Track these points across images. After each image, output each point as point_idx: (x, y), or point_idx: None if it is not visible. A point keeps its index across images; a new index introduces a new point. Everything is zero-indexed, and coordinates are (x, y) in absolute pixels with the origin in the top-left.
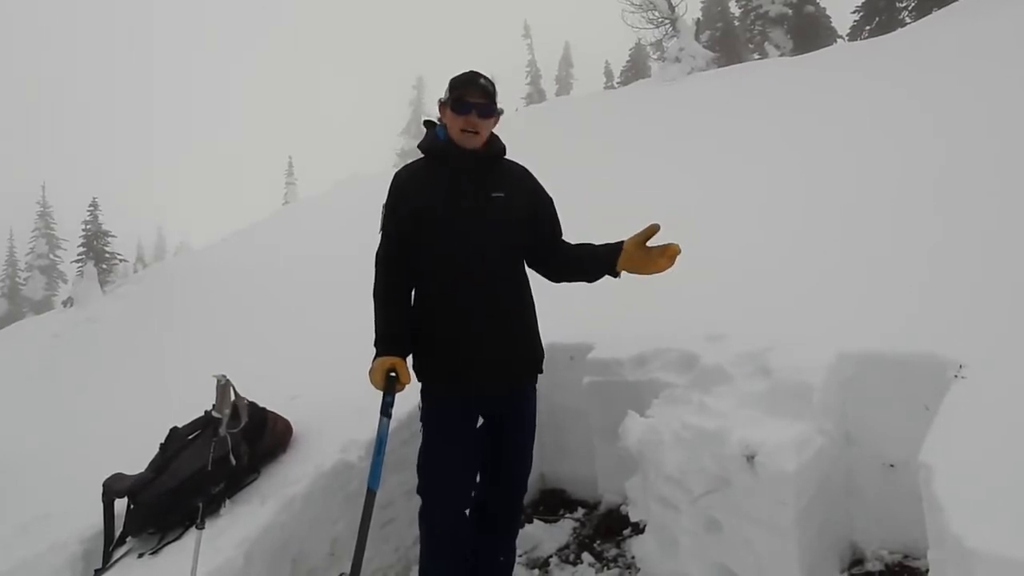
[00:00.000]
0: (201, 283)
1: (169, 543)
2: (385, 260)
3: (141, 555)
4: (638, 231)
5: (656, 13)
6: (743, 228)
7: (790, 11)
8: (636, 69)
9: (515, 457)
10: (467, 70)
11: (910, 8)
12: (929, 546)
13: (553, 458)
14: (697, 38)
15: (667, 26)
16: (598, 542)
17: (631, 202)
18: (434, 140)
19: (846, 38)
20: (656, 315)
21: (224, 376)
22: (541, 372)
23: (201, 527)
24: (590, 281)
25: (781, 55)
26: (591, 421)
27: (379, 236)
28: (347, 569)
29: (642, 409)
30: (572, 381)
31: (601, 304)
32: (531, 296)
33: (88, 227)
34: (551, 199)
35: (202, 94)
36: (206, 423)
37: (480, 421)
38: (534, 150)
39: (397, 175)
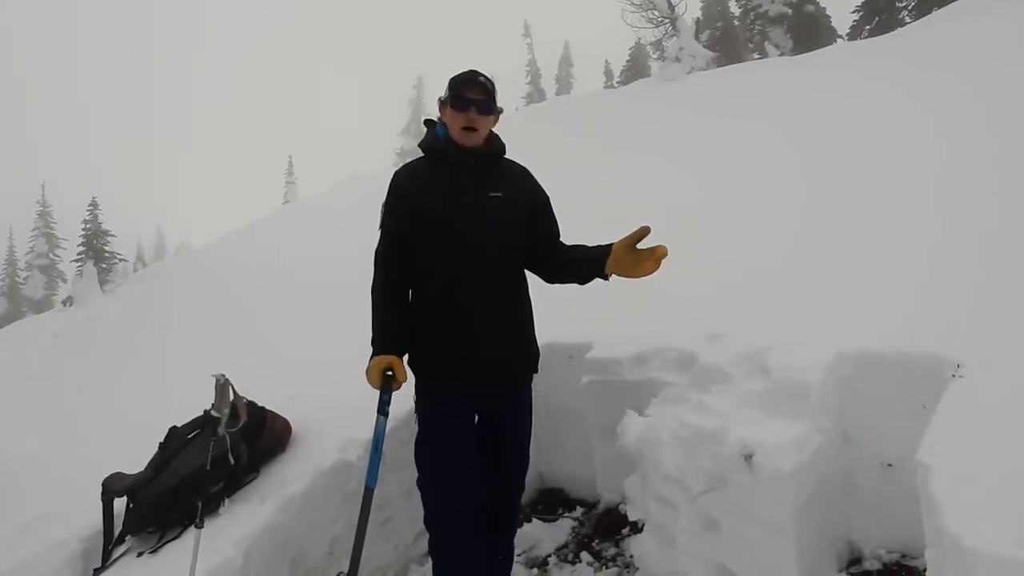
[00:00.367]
0: (201, 283)
1: (168, 542)
2: (384, 258)
3: (140, 554)
4: (627, 234)
5: (656, 12)
6: (743, 228)
7: (790, 11)
8: (636, 69)
9: (512, 456)
10: (466, 69)
11: (910, 8)
12: (927, 545)
13: (552, 457)
14: (697, 38)
15: (667, 25)
16: (597, 541)
17: (631, 202)
18: (434, 139)
19: (846, 38)
20: (655, 315)
21: (223, 375)
22: (536, 371)
23: (200, 526)
24: (582, 283)
25: (781, 55)
26: (590, 420)
27: (378, 234)
28: (346, 568)
29: (641, 408)
30: (571, 380)
31: (600, 303)
32: (529, 296)
33: (88, 226)
34: (549, 200)
35: (202, 94)
36: (205, 422)
37: (475, 420)
38: (534, 149)
39: (396, 173)
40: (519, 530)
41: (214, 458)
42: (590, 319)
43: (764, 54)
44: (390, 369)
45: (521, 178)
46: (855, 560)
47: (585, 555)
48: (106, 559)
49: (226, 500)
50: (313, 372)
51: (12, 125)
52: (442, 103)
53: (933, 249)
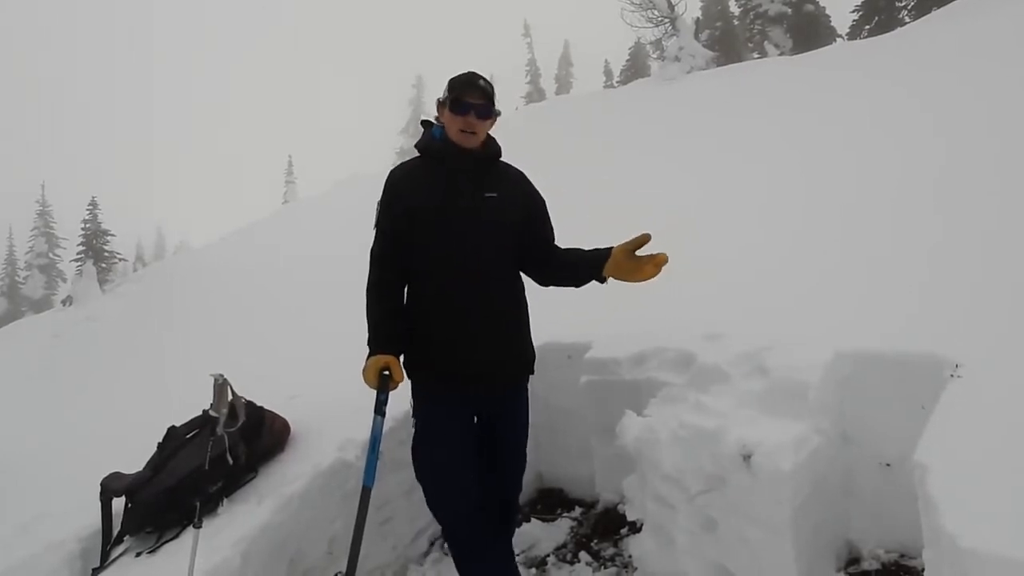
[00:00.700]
0: (201, 282)
1: (167, 542)
2: (379, 257)
3: (139, 554)
4: (628, 239)
5: (655, 12)
6: (743, 227)
7: (789, 10)
8: (636, 68)
9: (509, 457)
10: (466, 71)
11: (909, 8)
12: (924, 545)
13: (550, 457)
14: (697, 37)
15: (666, 25)
16: (595, 541)
17: (631, 202)
18: (431, 140)
19: (845, 37)
20: (654, 314)
21: (221, 375)
22: (533, 372)
23: (198, 526)
24: (577, 286)
25: (780, 54)
26: (588, 420)
27: (374, 233)
28: (344, 568)
29: (639, 408)
30: (569, 380)
31: (599, 303)
32: (525, 297)
33: (87, 226)
34: (545, 203)
35: (202, 94)
36: (204, 422)
37: (474, 421)
38: (534, 149)
39: (392, 173)
40: (517, 530)
41: (212, 458)
42: (589, 319)
43: (764, 53)
44: (387, 369)
45: (517, 181)
46: (853, 560)
47: (584, 555)
48: (104, 559)
49: (224, 500)
50: (313, 372)
51: (12, 125)
52: (440, 104)
53: (933, 249)
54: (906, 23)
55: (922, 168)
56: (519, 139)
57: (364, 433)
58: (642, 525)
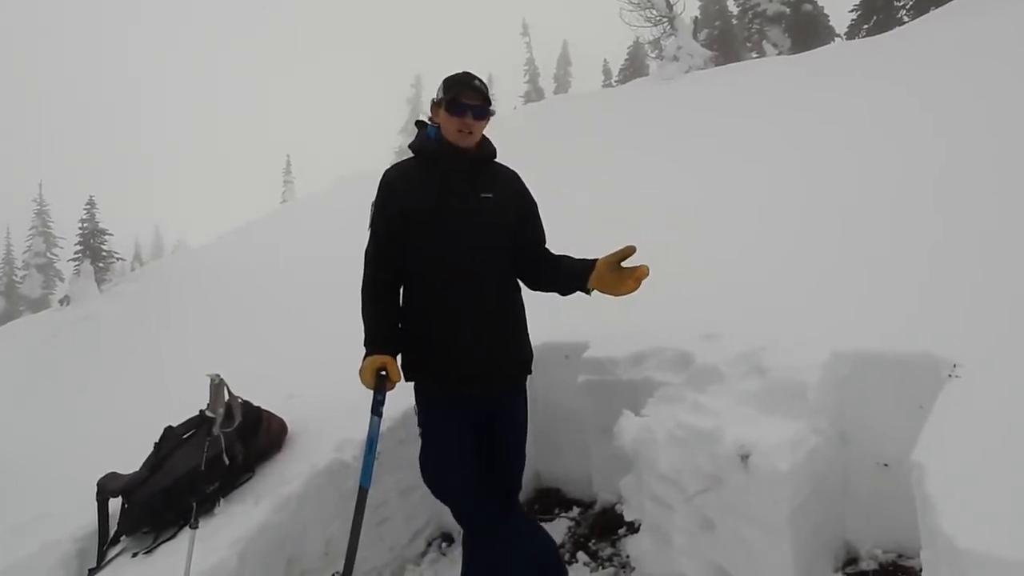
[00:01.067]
0: (199, 282)
1: (163, 542)
2: (374, 258)
3: (135, 554)
4: (613, 251)
5: (654, 11)
6: (742, 227)
7: (788, 10)
8: (634, 68)
9: (508, 456)
10: (461, 71)
11: (908, 7)
12: (922, 546)
13: (548, 457)
14: (695, 36)
15: (665, 24)
16: (593, 541)
17: (630, 202)
18: (425, 140)
19: (844, 37)
20: (652, 314)
21: (218, 375)
22: (530, 372)
23: (195, 526)
24: (563, 294)
25: (779, 54)
26: (586, 420)
27: (368, 234)
28: (341, 568)
29: (637, 408)
30: (567, 380)
31: (596, 303)
32: (521, 297)
33: (85, 225)
34: (536, 205)
35: (201, 93)
36: (200, 422)
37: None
38: (532, 149)
39: (387, 173)
40: None
41: (209, 458)
42: (586, 318)
43: (762, 53)
44: (384, 369)
45: (511, 181)
46: (851, 560)
47: (581, 555)
48: (101, 559)
49: (221, 500)
50: (311, 372)
51: (9, 124)
52: (435, 104)
53: (933, 249)
54: (904, 23)
55: (922, 168)
56: (517, 139)
57: (361, 433)
58: (640, 525)
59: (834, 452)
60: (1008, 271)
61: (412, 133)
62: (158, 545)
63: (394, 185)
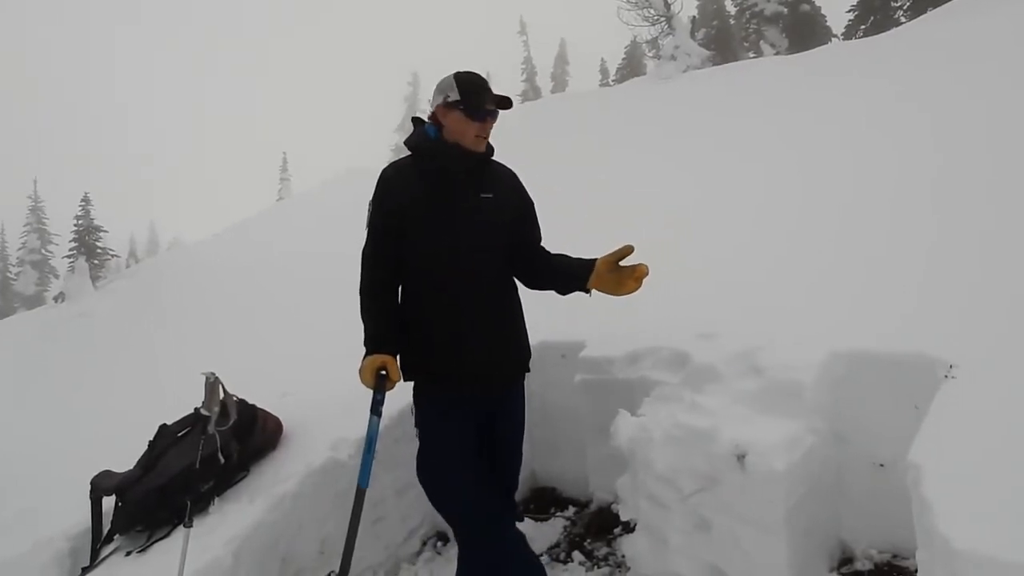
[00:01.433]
0: (195, 279)
1: (157, 541)
2: (372, 257)
3: (128, 553)
4: (611, 251)
5: (652, 10)
6: (739, 226)
7: (785, 10)
8: (632, 67)
9: (507, 455)
10: (472, 72)
11: (905, 8)
12: (917, 546)
13: (544, 456)
14: (693, 36)
15: (663, 24)
16: (588, 540)
17: (627, 201)
18: (423, 138)
19: (841, 37)
20: (649, 313)
21: (213, 374)
22: (529, 371)
23: (189, 525)
24: (561, 294)
25: (776, 53)
26: (582, 419)
27: (365, 233)
28: (337, 568)
29: (633, 407)
30: (563, 379)
31: (593, 302)
32: (518, 296)
33: (80, 222)
34: (533, 203)
35: (196, 90)
36: (195, 420)
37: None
38: (529, 148)
39: (384, 172)
40: None
41: (204, 457)
42: (583, 317)
43: (760, 53)
44: (384, 368)
45: (509, 181)
46: (846, 560)
47: (577, 554)
48: (94, 558)
49: (216, 499)
50: (307, 370)
51: (6, 121)
52: (446, 106)
53: (929, 249)
54: (901, 23)
55: (919, 168)
56: (514, 137)
57: (357, 432)
58: (635, 525)
59: (830, 452)
60: (1004, 272)
61: (408, 131)
62: (152, 544)
63: (392, 184)
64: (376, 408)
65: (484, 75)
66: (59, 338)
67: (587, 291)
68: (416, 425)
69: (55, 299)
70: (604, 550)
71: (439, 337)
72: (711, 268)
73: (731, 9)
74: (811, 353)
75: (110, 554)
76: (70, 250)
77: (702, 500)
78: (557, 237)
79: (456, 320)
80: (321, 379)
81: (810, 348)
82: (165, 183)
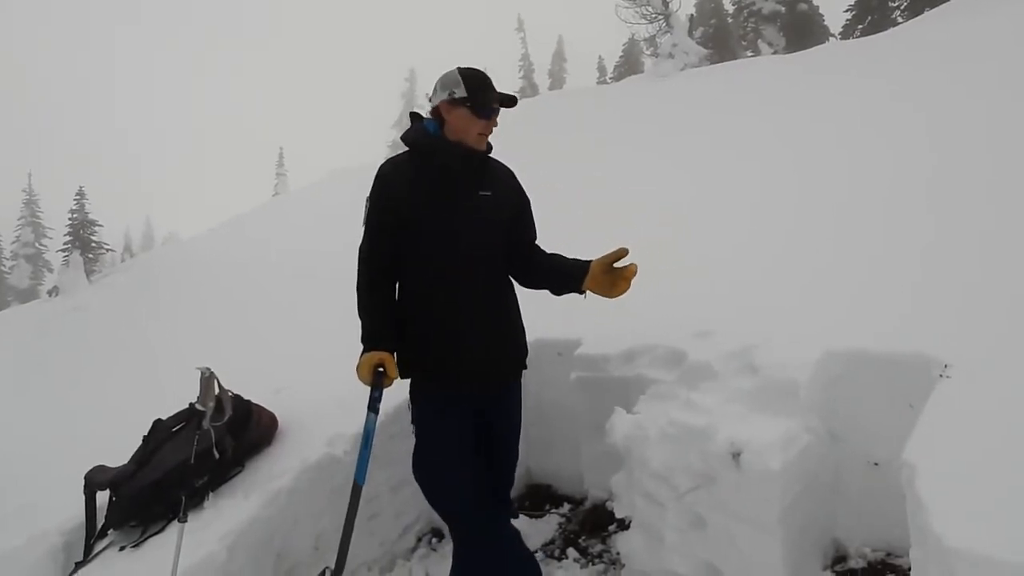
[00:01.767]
0: (190, 274)
1: (151, 536)
2: (369, 254)
3: (123, 548)
4: (606, 253)
5: (650, 8)
6: (735, 225)
7: (783, 9)
8: (629, 64)
9: (504, 453)
10: (475, 68)
11: (902, 8)
12: (911, 544)
13: (539, 453)
14: (690, 34)
15: (660, 22)
16: (583, 537)
17: (624, 199)
18: (422, 134)
19: (838, 36)
20: (645, 312)
21: (208, 369)
22: (526, 368)
23: (184, 520)
24: (556, 294)
25: (774, 52)
26: (578, 417)
27: (362, 230)
28: (332, 564)
29: (629, 405)
30: (559, 377)
31: (589, 300)
32: (515, 294)
33: (75, 216)
34: (529, 201)
35: (193, 84)
36: (190, 416)
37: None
38: (526, 145)
39: (381, 168)
40: None
41: (198, 452)
42: (579, 315)
43: (757, 52)
44: (381, 365)
45: (507, 178)
46: (840, 558)
47: (572, 551)
48: (88, 552)
49: (210, 494)
50: (303, 366)
51: (4, 120)
52: (451, 102)
53: (926, 248)
54: (899, 23)
55: (915, 167)
56: (511, 134)
57: (352, 428)
58: (630, 522)
59: (825, 450)
60: (1001, 271)
61: (406, 127)
62: (146, 538)
63: (389, 181)
64: (373, 405)
65: (483, 70)
66: (54, 333)
67: (582, 292)
68: (412, 422)
69: (49, 293)
70: (599, 547)
71: (436, 334)
72: (707, 266)
73: (729, 8)
74: (807, 352)
75: (104, 549)
76: (65, 244)
77: (697, 498)
78: (553, 234)
79: (454, 317)
80: (317, 375)
81: (806, 347)
82: (163, 182)
